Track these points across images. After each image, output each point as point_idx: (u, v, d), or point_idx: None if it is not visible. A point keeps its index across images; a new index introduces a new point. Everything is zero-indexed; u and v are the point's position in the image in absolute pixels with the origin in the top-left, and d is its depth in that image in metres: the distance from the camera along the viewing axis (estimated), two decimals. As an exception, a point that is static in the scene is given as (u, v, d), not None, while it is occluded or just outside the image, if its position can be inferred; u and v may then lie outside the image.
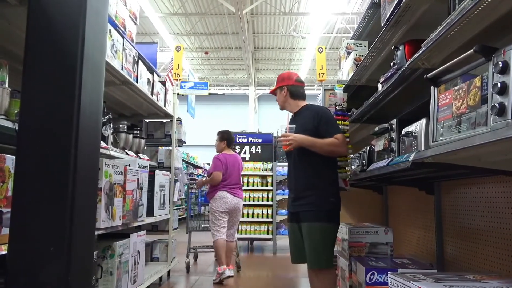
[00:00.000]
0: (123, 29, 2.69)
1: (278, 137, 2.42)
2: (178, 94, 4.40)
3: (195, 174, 14.33)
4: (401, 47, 1.83)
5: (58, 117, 1.08)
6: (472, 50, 1.09)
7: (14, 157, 1.26)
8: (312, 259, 2.22)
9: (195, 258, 5.22)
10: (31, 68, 1.09)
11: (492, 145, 1.02)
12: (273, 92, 2.61)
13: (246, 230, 6.08)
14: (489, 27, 1.25)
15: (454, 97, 1.23)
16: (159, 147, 4.40)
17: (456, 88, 1.23)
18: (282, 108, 2.56)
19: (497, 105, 0.98)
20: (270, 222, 6.04)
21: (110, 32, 2.36)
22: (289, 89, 2.48)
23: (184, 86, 7.41)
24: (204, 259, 5.42)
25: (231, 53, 14.68)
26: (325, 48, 4.11)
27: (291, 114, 2.59)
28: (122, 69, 2.53)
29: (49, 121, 1.07)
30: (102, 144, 2.45)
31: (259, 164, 6.24)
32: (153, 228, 3.98)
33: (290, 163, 2.46)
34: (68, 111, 1.07)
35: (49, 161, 1.06)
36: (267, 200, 6.09)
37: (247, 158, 6.29)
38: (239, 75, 17.56)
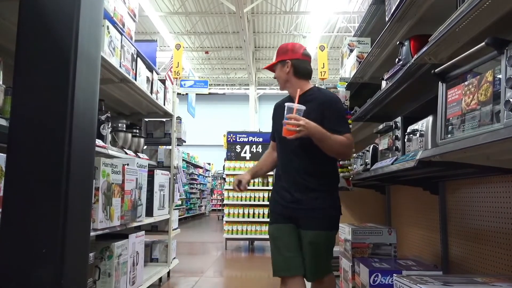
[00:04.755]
0: (121, 26, 2.65)
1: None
2: (178, 93, 4.35)
3: (196, 174, 14.32)
4: (406, 43, 1.79)
5: (51, 113, 1.03)
6: (483, 43, 1.04)
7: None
8: (315, 271, 1.91)
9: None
10: (23, 62, 1.04)
11: (505, 142, 0.97)
12: (271, 68, 2.08)
13: (246, 230, 6.03)
14: (500, 20, 1.21)
15: (463, 92, 1.18)
16: (159, 146, 4.35)
17: (466, 83, 1.18)
18: (281, 89, 2.09)
19: (511, 100, 0.94)
20: (271, 222, 5.99)
21: (108, 28, 2.31)
22: (294, 64, 1.97)
23: (184, 84, 7.35)
24: (203, 260, 5.39)
25: (231, 53, 14.66)
26: (327, 46, 4.07)
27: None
28: (120, 66, 2.49)
29: (42, 118, 1.03)
30: (100, 143, 2.40)
31: (260, 164, 6.19)
32: (152, 229, 3.93)
33: (286, 155, 2.00)
34: (61, 107, 1.03)
35: (42, 159, 1.01)
36: (268, 200, 6.04)
37: (247, 158, 6.25)
38: (239, 75, 17.53)
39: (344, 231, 2.65)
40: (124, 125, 3.02)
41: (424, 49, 1.49)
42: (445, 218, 2.25)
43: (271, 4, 10.72)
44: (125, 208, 2.50)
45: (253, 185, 6.15)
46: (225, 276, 4.51)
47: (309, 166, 1.92)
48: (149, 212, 3.20)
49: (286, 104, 1.82)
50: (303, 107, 1.78)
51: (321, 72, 4.03)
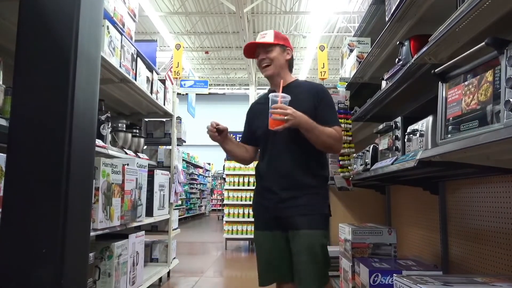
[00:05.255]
0: (121, 26, 2.65)
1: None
2: (178, 93, 4.35)
3: (196, 174, 14.32)
4: (406, 43, 1.79)
5: (51, 113, 1.03)
6: (483, 43, 1.04)
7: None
8: (313, 278, 1.70)
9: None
10: (23, 62, 1.04)
11: (505, 142, 0.97)
12: (254, 49, 1.94)
13: (246, 230, 6.03)
14: (500, 20, 1.21)
15: (463, 92, 1.18)
16: (159, 146, 4.35)
17: (466, 83, 1.18)
18: (272, 74, 1.91)
19: (511, 100, 0.94)
20: (271, 222, 5.99)
21: (108, 28, 2.31)
22: (291, 55, 1.97)
23: (184, 84, 7.35)
24: (203, 260, 5.39)
25: (231, 53, 14.65)
26: (327, 46, 4.07)
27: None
28: (120, 66, 2.49)
29: (42, 118, 1.03)
30: (100, 143, 2.40)
31: (260, 164, 6.20)
32: (152, 229, 3.94)
33: (276, 152, 1.84)
34: (61, 107, 1.03)
35: (42, 159, 1.01)
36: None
37: (247, 158, 6.26)
38: (239, 75, 17.52)
39: (344, 231, 2.65)
40: (124, 125, 3.02)
41: (424, 49, 1.49)
42: (445, 218, 2.25)
43: (271, 4, 10.71)
44: (125, 208, 2.50)
45: (254, 185, 6.13)
46: (225, 276, 4.50)
47: (305, 161, 1.80)
48: (149, 212, 3.20)
49: (270, 95, 1.71)
50: (288, 97, 1.68)
51: (321, 72, 4.02)
